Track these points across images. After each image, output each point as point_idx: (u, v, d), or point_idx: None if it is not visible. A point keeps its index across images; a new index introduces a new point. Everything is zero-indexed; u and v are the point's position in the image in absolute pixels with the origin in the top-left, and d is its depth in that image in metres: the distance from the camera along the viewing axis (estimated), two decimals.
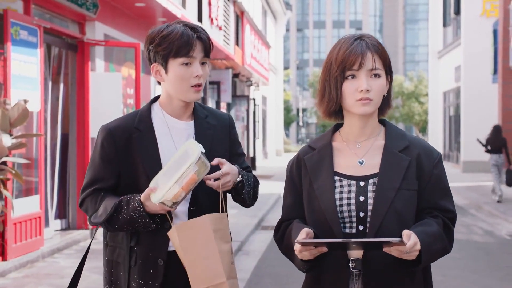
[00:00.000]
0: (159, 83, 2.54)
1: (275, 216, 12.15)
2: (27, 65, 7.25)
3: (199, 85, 2.44)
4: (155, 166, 2.43)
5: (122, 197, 2.42)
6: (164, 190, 2.31)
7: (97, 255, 7.70)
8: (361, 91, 2.15)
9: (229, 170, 2.41)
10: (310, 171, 2.25)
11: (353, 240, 2.06)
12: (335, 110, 2.24)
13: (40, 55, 7.52)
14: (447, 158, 28.36)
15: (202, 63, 2.46)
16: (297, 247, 2.08)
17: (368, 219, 2.15)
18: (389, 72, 2.24)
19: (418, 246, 2.05)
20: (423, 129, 46.43)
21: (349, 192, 2.18)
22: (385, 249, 2.06)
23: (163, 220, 2.43)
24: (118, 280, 2.50)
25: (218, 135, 2.56)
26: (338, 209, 2.17)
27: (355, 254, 2.15)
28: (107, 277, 2.54)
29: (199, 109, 2.58)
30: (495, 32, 19.08)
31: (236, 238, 8.83)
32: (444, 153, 28.82)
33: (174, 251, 2.44)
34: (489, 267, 7.68)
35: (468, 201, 14.45)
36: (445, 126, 29.02)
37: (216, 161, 2.40)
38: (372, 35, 2.29)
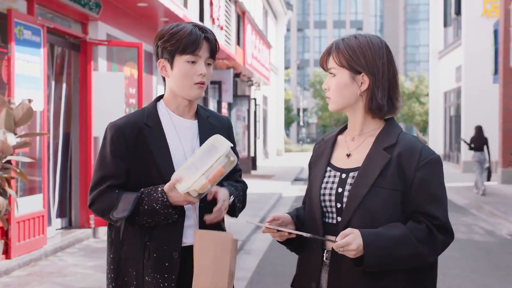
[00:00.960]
0: (164, 80, 2.60)
1: None
2: (30, 65, 7.29)
3: (202, 83, 2.51)
4: (167, 161, 2.49)
5: (142, 189, 2.45)
6: (191, 181, 2.36)
7: (100, 253, 7.75)
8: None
9: (224, 197, 2.50)
10: (314, 160, 2.39)
11: (289, 231, 2.20)
12: None
13: (43, 55, 7.56)
14: (448, 158, 28.37)
15: (208, 64, 2.53)
16: (262, 228, 2.26)
17: (343, 211, 2.22)
18: (353, 70, 2.23)
19: (353, 247, 2.07)
20: (424, 129, 46.44)
21: (333, 183, 2.27)
22: (332, 245, 2.15)
23: (181, 213, 2.47)
24: (126, 277, 2.52)
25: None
26: (321, 198, 2.26)
27: (330, 245, 2.22)
28: (112, 274, 2.54)
29: (201, 110, 2.65)
30: (495, 32, 19.10)
31: (237, 237, 8.83)
32: (445, 153, 28.84)
33: (188, 247, 2.50)
34: (489, 266, 7.72)
35: (468, 200, 14.49)
36: (446, 126, 29.04)
37: (210, 196, 2.50)
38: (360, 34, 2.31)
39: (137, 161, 2.49)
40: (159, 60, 2.54)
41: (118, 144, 2.49)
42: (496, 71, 19.12)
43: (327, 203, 2.25)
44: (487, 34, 21.51)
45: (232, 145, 2.42)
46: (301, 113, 66.46)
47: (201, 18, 14.91)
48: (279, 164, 27.96)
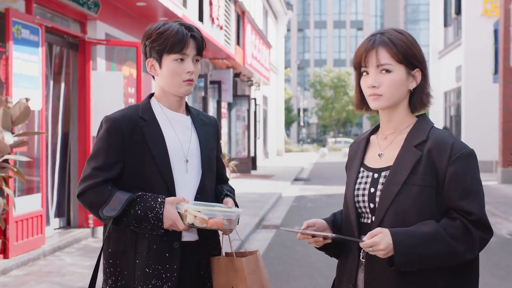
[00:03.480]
0: (153, 78, 2.64)
1: (276, 215, 12.16)
2: (28, 64, 7.27)
3: (191, 80, 2.57)
4: (163, 154, 2.53)
5: (139, 193, 2.47)
6: (196, 208, 2.41)
7: (98, 253, 7.71)
8: (369, 87, 2.21)
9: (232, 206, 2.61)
10: (348, 162, 2.39)
11: (323, 234, 2.20)
12: (359, 103, 2.32)
13: (41, 54, 7.54)
14: None
15: (195, 61, 2.59)
16: (298, 235, 2.25)
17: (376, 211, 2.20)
18: (410, 65, 2.20)
19: (381, 246, 2.05)
20: None
21: (365, 183, 2.25)
22: (360, 244, 2.13)
23: (167, 230, 2.49)
24: (125, 270, 2.52)
25: (211, 131, 2.71)
26: (355, 199, 2.25)
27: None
28: (111, 269, 2.54)
29: (190, 107, 2.72)
30: (495, 32, 19.08)
31: (236, 237, 8.83)
32: None
33: (187, 243, 2.54)
34: (489, 266, 7.69)
35: None
36: (446, 126, 29.02)
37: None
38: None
39: (133, 153, 2.52)
40: (147, 60, 2.60)
41: (115, 136, 2.51)
42: (496, 71, 19.10)
43: (361, 204, 2.24)
44: (487, 34, 21.50)
45: (241, 211, 2.55)
46: (301, 113, 66.47)
47: (201, 18, 14.89)
48: (279, 164, 27.95)
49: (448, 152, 2.14)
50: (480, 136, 22.60)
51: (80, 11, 8.75)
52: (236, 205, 2.65)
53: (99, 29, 9.27)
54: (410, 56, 2.19)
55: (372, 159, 2.29)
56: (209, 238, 2.61)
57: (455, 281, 2.16)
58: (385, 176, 2.20)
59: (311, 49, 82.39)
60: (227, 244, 2.67)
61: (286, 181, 19.05)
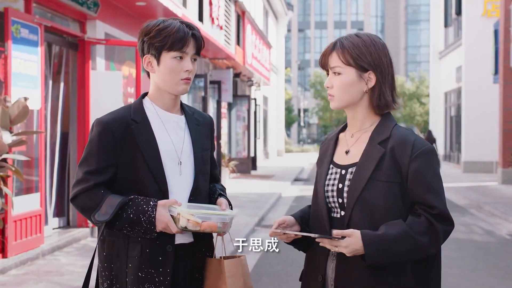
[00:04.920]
0: (148, 76, 2.60)
1: (275, 215, 12.15)
2: (27, 63, 7.27)
3: (189, 79, 2.54)
4: (155, 156, 2.49)
5: (131, 196, 2.44)
6: (189, 211, 2.39)
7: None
8: (326, 88, 2.36)
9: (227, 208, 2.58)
10: (319, 159, 2.48)
11: (295, 232, 2.31)
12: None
13: (40, 54, 7.54)
14: (448, 158, 28.37)
15: (193, 60, 2.56)
16: (269, 231, 2.37)
17: (345, 206, 2.30)
18: (361, 68, 2.29)
19: (346, 250, 2.17)
20: (425, 130, 46.51)
21: (334, 179, 2.35)
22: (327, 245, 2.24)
23: (160, 234, 2.46)
24: (119, 273, 2.50)
25: (205, 131, 2.67)
26: (325, 194, 2.34)
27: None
28: (107, 272, 2.52)
29: (185, 106, 2.68)
30: (496, 32, 19.07)
31: (236, 236, 8.82)
32: (445, 154, 28.83)
33: (180, 245, 2.51)
34: (488, 266, 7.69)
35: (468, 201, 14.45)
36: (446, 126, 29.02)
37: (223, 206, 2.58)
38: (360, 33, 2.36)
39: (125, 156, 2.48)
40: (145, 56, 2.56)
41: (106, 139, 2.48)
42: (496, 71, 19.09)
43: (331, 199, 2.34)
44: (487, 34, 21.49)
45: (235, 213, 2.54)
46: (301, 114, 66.45)
47: (200, 18, 14.88)
48: (279, 164, 27.92)
49: (409, 149, 2.25)
50: (480, 137, 22.61)
51: (80, 11, 8.75)
52: (230, 204, 2.61)
53: (98, 29, 9.27)
54: (360, 59, 2.28)
55: (340, 156, 2.39)
56: (204, 240, 2.57)
57: (421, 271, 2.27)
58: (351, 172, 2.31)
59: (311, 50, 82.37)
60: (226, 246, 2.64)
61: (286, 181, 19.04)
